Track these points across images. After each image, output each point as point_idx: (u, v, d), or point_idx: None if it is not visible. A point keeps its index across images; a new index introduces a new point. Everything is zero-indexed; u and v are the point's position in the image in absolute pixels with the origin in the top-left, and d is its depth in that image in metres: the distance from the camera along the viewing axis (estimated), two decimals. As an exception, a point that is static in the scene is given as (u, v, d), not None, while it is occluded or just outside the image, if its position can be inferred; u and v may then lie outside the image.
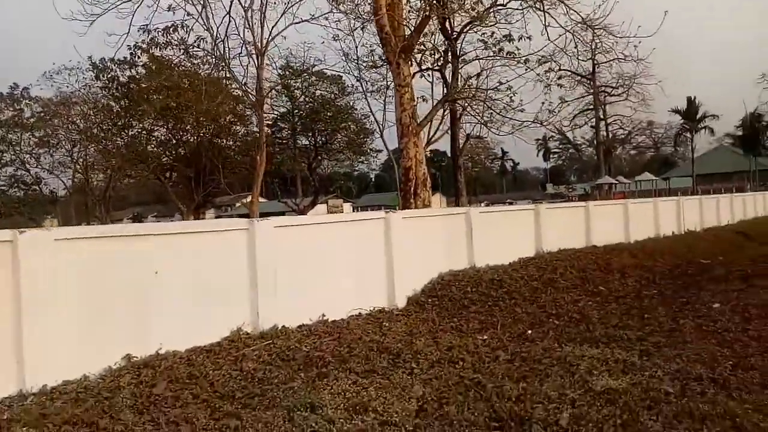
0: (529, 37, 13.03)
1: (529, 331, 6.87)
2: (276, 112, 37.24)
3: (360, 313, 7.16)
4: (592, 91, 57.42)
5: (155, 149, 31.46)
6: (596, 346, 5.95)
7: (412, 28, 11.62)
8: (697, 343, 5.48)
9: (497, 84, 18.13)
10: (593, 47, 52.50)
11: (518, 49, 13.31)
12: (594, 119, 58.86)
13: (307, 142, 39.14)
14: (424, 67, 17.59)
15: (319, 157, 40.44)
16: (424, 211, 9.61)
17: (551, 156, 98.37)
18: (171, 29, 17.60)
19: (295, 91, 37.09)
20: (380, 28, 10.60)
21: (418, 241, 8.69)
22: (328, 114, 36.37)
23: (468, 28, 18.08)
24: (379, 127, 19.44)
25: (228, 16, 12.67)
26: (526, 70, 13.47)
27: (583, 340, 6.25)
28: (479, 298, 8.19)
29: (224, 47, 13.63)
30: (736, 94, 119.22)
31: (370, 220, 7.98)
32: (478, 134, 20.72)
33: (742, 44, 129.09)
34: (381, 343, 5.73)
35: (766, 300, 6.96)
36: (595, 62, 56.05)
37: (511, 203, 53.89)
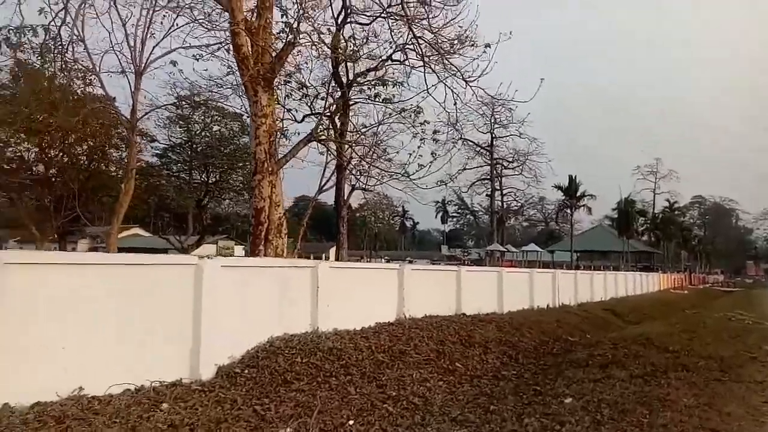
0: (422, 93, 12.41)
1: (351, 422, 5.50)
2: (170, 142, 34.68)
3: (137, 387, 5.40)
4: (489, 162, 60.39)
5: (8, 165, 27.51)
6: (420, 450, 4.68)
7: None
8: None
9: (381, 137, 17.67)
10: (492, 121, 54.66)
11: (394, 97, 12.72)
12: (490, 189, 61.53)
13: (199, 179, 36.68)
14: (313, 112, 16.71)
15: (212, 195, 37.93)
16: (257, 260, 8.15)
17: (450, 219, 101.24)
18: (29, 30, 15.33)
19: (194, 124, 34.87)
20: (237, 49, 9.32)
21: (246, 297, 7.15)
22: (225, 151, 34.41)
23: (362, 78, 17.54)
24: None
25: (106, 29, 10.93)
26: (403, 118, 12.77)
27: (408, 441, 4.96)
28: (308, 371, 6.71)
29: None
30: (617, 179, 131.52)
31: (173, 265, 6.34)
32: (363, 186, 19.75)
33: (626, 134, 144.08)
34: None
35: (618, 396, 6.11)
36: (494, 135, 59.28)
37: (410, 261, 53.73)
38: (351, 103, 19.54)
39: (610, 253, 65.05)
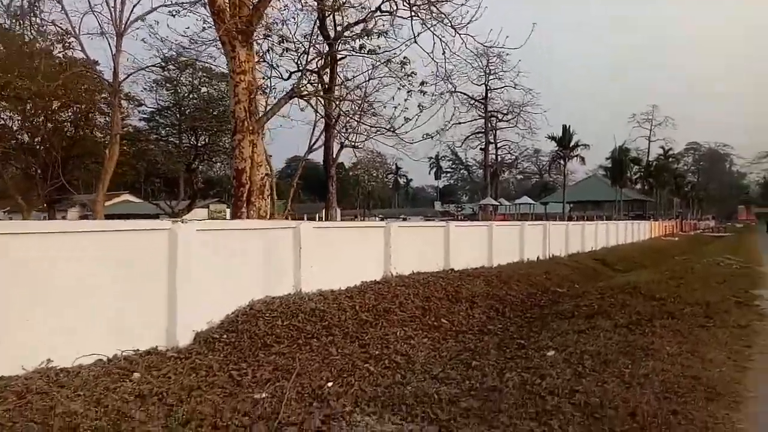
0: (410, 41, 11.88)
1: (330, 384, 5.43)
2: (158, 105, 33.86)
3: (109, 357, 5.30)
4: (483, 115, 59.69)
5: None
6: (398, 411, 4.62)
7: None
8: (510, 413, 4.31)
9: (372, 91, 17.19)
10: (486, 73, 53.50)
11: (380, 48, 12.23)
12: (484, 142, 61.04)
13: (188, 142, 36.03)
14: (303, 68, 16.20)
15: (202, 158, 37.34)
16: (235, 222, 7.96)
17: (444, 175, 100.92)
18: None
19: (182, 87, 33.95)
20: (211, 2, 8.85)
21: (224, 261, 6.99)
22: (214, 113, 33.67)
23: (349, 31, 16.92)
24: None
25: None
26: (389, 70, 12.37)
27: (387, 401, 4.90)
28: (289, 334, 6.63)
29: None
30: (613, 128, 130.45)
31: (146, 231, 6.13)
32: (353, 144, 19.41)
33: (622, 84, 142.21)
34: (85, 416, 3.94)
35: (602, 347, 6.07)
36: (488, 88, 58.32)
37: (404, 219, 53.72)
38: (339, 57, 18.97)
39: (603, 202, 65.20)
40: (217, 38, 9.47)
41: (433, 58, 11.62)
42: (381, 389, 5.35)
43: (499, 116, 60.92)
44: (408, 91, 12.01)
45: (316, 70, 19.15)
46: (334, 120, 18.02)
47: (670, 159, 74.71)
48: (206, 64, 25.11)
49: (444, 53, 11.39)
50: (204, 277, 6.54)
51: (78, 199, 41.08)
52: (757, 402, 4.51)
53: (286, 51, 10.73)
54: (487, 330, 8.43)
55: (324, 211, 20.28)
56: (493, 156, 64.59)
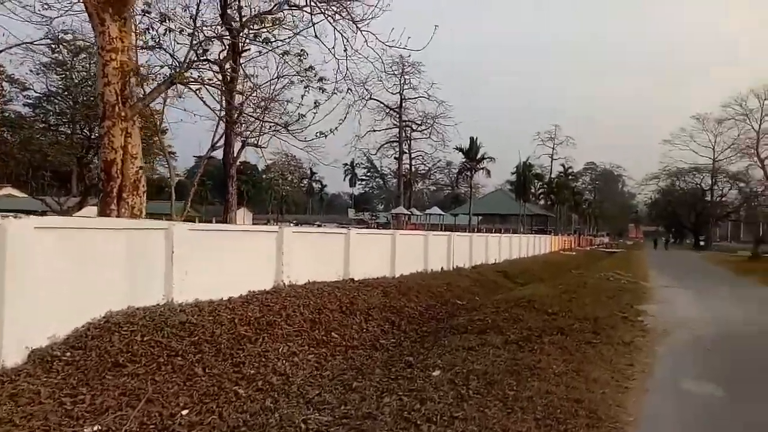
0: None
1: (185, 411, 4.70)
2: (47, 90, 30.65)
3: None
4: (398, 124, 60.28)
5: None
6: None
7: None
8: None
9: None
10: (401, 81, 53.83)
11: (275, 38, 11.61)
12: (398, 151, 61.60)
13: (81, 133, 33.03)
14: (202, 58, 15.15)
15: (97, 151, 34.32)
16: (93, 221, 6.94)
17: (359, 182, 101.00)
18: None
19: (77, 73, 31.03)
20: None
21: (75, 265, 6.00)
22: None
23: (251, 23, 16.04)
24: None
25: None
26: (284, 62, 11.75)
27: (247, 432, 4.25)
28: (149, 351, 5.77)
29: None
30: (519, 145, 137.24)
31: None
32: (256, 143, 18.42)
33: (526, 105, 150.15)
34: None
35: (489, 365, 5.79)
36: (403, 97, 58.97)
37: (319, 225, 52.70)
38: (242, 50, 17.99)
39: (509, 216, 67.92)
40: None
41: (334, 55, 11.17)
42: (245, 417, 4.70)
43: (414, 126, 61.93)
44: (306, 87, 11.42)
45: (218, 61, 18.09)
46: (236, 114, 17.04)
47: (570, 177, 79.27)
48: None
49: (345, 50, 10.95)
50: (46, 285, 5.55)
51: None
52: (636, 427, 4.35)
53: (169, 31, 9.73)
54: (380, 345, 8.00)
55: (224, 213, 19.06)
56: (408, 166, 65.47)
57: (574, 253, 40.75)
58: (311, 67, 11.34)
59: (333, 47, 11.34)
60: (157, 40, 9.89)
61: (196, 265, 7.61)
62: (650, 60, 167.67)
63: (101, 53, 8.33)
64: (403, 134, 61.33)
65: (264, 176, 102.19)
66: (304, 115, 11.15)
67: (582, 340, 7.25)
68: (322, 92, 11.27)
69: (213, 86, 10.10)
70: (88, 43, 24.21)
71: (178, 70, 9.33)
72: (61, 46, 25.49)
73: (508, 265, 23.25)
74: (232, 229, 9.61)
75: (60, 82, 31.50)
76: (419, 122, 61.57)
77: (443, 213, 57.77)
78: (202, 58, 12.42)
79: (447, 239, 18.41)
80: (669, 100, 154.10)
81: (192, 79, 9.72)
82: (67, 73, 31.30)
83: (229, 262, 8.42)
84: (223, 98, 14.85)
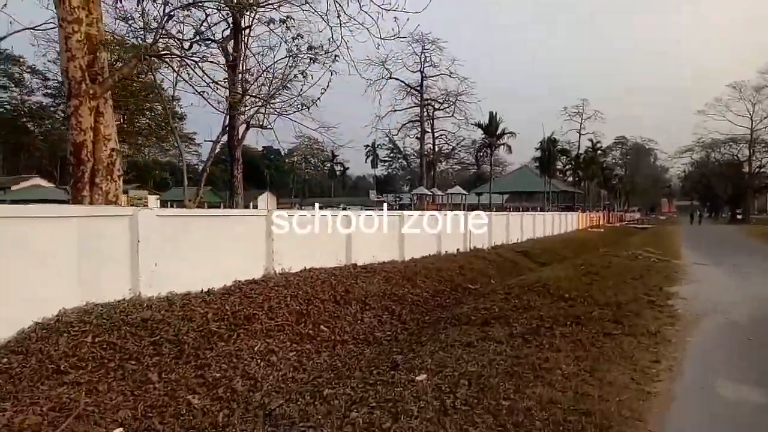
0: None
1: (119, 430, 3.99)
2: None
3: None
4: (419, 103, 58.97)
5: None
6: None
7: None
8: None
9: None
10: (422, 60, 52.51)
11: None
12: (420, 131, 60.33)
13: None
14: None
15: (121, 141, 34.14)
16: (43, 209, 6.28)
17: (382, 163, 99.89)
18: None
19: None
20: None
21: (23, 258, 5.37)
22: (134, 88, 30.68)
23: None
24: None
25: None
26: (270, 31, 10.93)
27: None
28: (98, 354, 5.11)
29: None
30: (544, 119, 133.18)
31: None
32: (261, 123, 17.69)
33: (555, 76, 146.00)
34: None
35: (486, 366, 4.95)
36: (423, 75, 57.56)
37: (344, 208, 52.10)
38: (244, 27, 17.20)
39: (535, 193, 66.09)
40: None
41: (327, 22, 10.33)
42: (189, 435, 3.98)
43: (436, 105, 60.43)
44: (293, 56, 10.57)
45: (220, 39, 17.32)
46: (239, 96, 16.32)
47: (599, 152, 76.65)
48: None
49: (339, 16, 10.07)
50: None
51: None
52: (659, 451, 3.48)
53: (139, 2, 8.95)
54: (373, 338, 7.23)
55: (230, 197, 18.46)
56: (430, 146, 64.09)
57: (602, 230, 39.18)
58: (300, 36, 10.43)
59: (326, 14, 10.44)
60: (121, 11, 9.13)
61: (169, 255, 6.93)
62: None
63: (62, 24, 7.64)
64: (425, 113, 60.04)
65: (287, 160, 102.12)
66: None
67: (600, 331, 6.33)
68: (314, 62, 10.38)
69: (184, 59, 9.28)
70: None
71: (152, 41, 8.53)
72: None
73: (532, 244, 22.17)
74: (212, 214, 8.92)
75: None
76: (441, 101, 60.18)
77: (465, 192, 56.38)
78: (203, 38, 11.74)
79: (462, 218, 17.45)
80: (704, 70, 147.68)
81: (166, 53, 8.95)
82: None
83: (211, 250, 7.73)
84: (228, 77, 14.21)
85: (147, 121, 32.70)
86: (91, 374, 4.82)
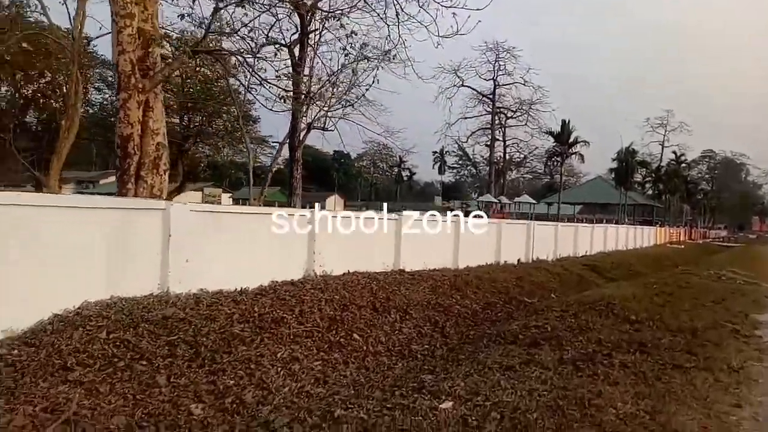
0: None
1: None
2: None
3: None
4: (491, 110, 57.79)
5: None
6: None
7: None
8: None
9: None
10: (495, 68, 51.60)
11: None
12: (491, 139, 59.06)
13: (179, 122, 34.25)
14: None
15: (196, 140, 35.54)
16: (71, 199, 6.15)
17: (449, 170, 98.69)
18: None
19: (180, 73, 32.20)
20: None
21: (45, 248, 5.26)
22: (214, 89, 31.77)
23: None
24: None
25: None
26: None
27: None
28: (109, 352, 4.87)
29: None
30: (622, 129, 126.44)
31: None
32: (323, 126, 17.64)
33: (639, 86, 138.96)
34: None
35: (525, 397, 4.25)
36: (496, 83, 56.38)
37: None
38: (311, 30, 17.20)
39: (610, 205, 62.85)
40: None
41: (385, 21, 9.91)
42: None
43: (508, 113, 58.95)
44: (346, 54, 10.24)
45: (288, 44, 17.40)
46: (303, 96, 16.29)
47: (682, 165, 71.85)
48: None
49: (397, 15, 9.62)
50: (11, 269, 4.86)
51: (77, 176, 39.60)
52: None
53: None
54: (409, 352, 6.67)
55: (289, 196, 18.49)
56: (501, 153, 62.55)
57: (683, 247, 36.36)
58: (354, 33, 10.13)
59: (384, 13, 10.05)
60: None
61: (202, 251, 6.72)
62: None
63: (115, 19, 7.67)
64: (497, 121, 58.71)
65: (356, 164, 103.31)
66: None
67: (669, 363, 5.43)
68: (368, 61, 10.00)
69: (228, 53, 9.12)
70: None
71: (202, 38, 8.44)
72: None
73: (602, 258, 20.71)
74: (250, 212, 8.65)
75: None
76: (514, 109, 58.74)
77: (533, 201, 54.40)
78: (272, 42, 11.71)
79: (526, 228, 16.50)
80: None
81: (215, 49, 8.85)
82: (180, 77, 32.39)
83: (247, 248, 7.47)
84: (293, 80, 14.26)
85: (223, 123, 33.68)
86: (96, 373, 4.57)
